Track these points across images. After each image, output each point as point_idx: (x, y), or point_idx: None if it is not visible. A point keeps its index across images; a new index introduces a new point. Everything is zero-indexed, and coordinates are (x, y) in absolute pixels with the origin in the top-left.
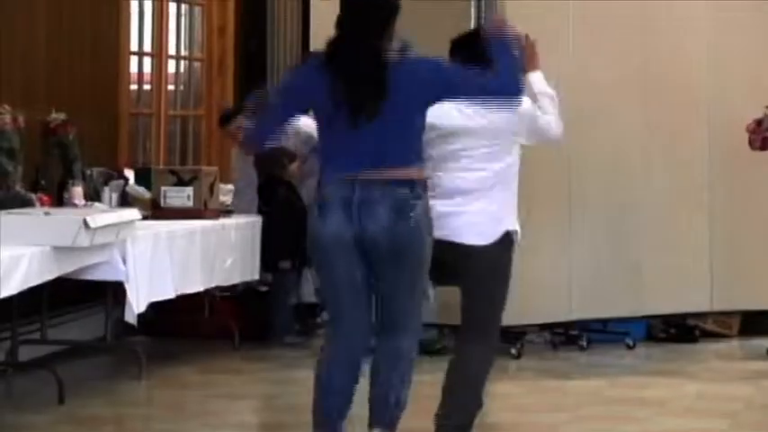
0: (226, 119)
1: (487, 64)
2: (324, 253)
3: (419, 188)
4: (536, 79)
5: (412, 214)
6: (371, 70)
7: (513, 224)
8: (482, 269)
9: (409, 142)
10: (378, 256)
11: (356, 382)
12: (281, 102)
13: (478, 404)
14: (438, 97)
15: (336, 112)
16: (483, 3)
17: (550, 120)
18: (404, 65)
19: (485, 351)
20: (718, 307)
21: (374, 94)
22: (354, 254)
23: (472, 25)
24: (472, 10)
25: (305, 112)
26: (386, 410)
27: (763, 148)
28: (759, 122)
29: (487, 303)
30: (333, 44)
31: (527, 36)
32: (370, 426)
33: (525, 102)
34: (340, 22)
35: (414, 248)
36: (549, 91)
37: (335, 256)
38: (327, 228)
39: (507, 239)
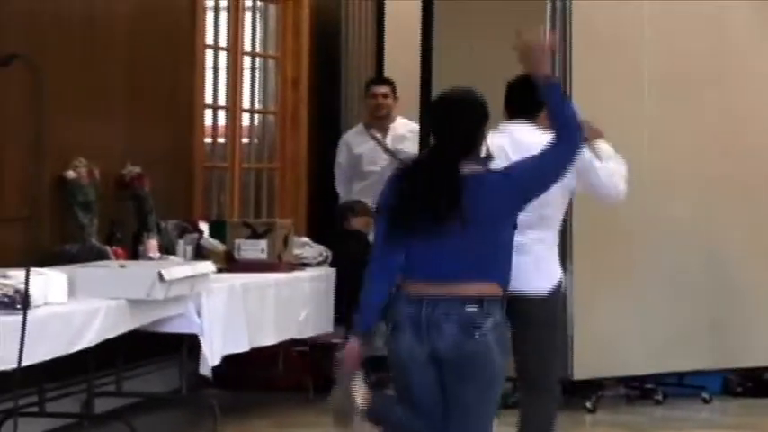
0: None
1: (540, 106)
2: (401, 370)
3: (490, 305)
4: (603, 147)
5: (478, 333)
6: (444, 190)
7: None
8: (540, 319)
9: (489, 258)
10: (447, 372)
11: None
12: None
13: None
14: (522, 204)
15: (404, 222)
16: (557, 3)
17: (613, 172)
18: (484, 180)
19: (544, 405)
20: None
21: (439, 214)
22: (430, 369)
23: (547, 25)
24: (547, 10)
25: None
26: None
27: None
28: None
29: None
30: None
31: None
32: None
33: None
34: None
35: (480, 367)
36: (617, 158)
37: (411, 374)
38: (401, 348)
39: (559, 288)
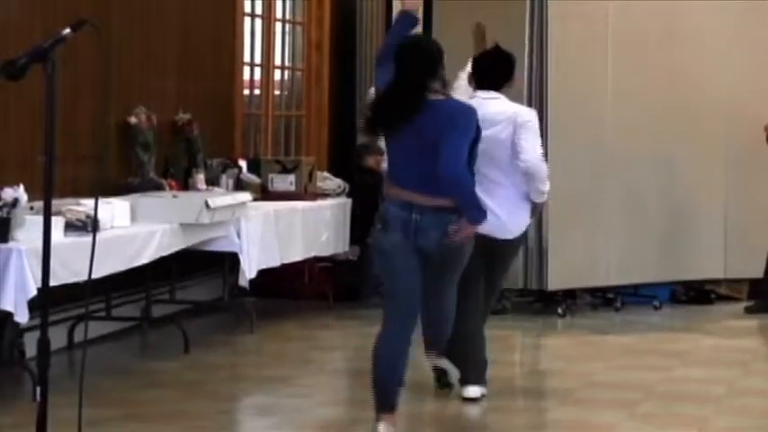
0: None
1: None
2: (386, 255)
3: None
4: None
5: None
6: (406, 100)
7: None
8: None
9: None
10: (428, 262)
11: (409, 345)
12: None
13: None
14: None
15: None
16: (536, 2)
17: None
18: (443, 107)
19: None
20: (730, 275)
21: (397, 114)
22: (412, 255)
23: (527, 23)
24: (527, 9)
25: None
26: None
27: None
28: None
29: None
30: (387, 87)
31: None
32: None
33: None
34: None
35: (458, 260)
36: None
37: (396, 257)
38: (389, 240)
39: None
